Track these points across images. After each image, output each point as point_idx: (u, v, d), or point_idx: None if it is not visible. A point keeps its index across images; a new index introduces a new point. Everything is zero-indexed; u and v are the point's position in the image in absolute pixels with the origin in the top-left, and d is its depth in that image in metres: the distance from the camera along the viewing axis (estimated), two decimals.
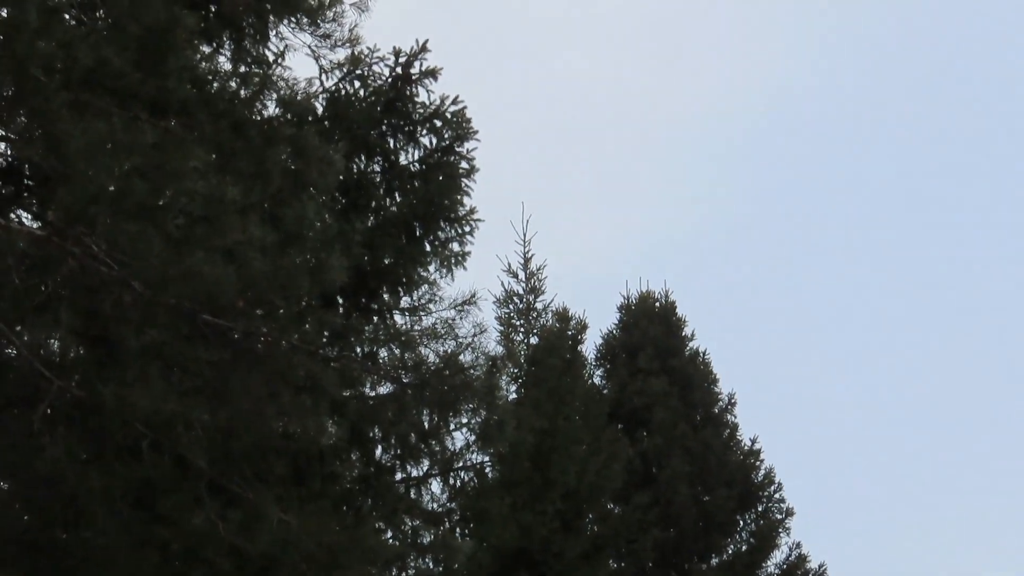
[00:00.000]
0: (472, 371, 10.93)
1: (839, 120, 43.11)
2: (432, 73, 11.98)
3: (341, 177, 10.65)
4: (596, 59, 43.30)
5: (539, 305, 20.41)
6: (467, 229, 11.98)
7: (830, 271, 41.73)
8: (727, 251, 41.70)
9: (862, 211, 42.48)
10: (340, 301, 11.53)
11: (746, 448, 22.04)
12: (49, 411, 8.75)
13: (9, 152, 9.09)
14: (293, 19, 10.33)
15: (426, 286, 11.83)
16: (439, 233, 11.92)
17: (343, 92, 11.73)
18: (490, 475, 13.36)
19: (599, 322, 24.21)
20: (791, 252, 41.80)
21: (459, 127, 11.94)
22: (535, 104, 43.10)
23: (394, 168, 11.97)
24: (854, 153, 42.66)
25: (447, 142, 11.99)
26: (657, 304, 23.15)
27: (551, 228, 39.08)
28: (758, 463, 21.91)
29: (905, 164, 42.52)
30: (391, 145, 11.99)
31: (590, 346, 22.57)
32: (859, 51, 42.63)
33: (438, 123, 11.98)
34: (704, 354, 22.70)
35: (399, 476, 11.66)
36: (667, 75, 43.40)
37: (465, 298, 11.76)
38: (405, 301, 11.91)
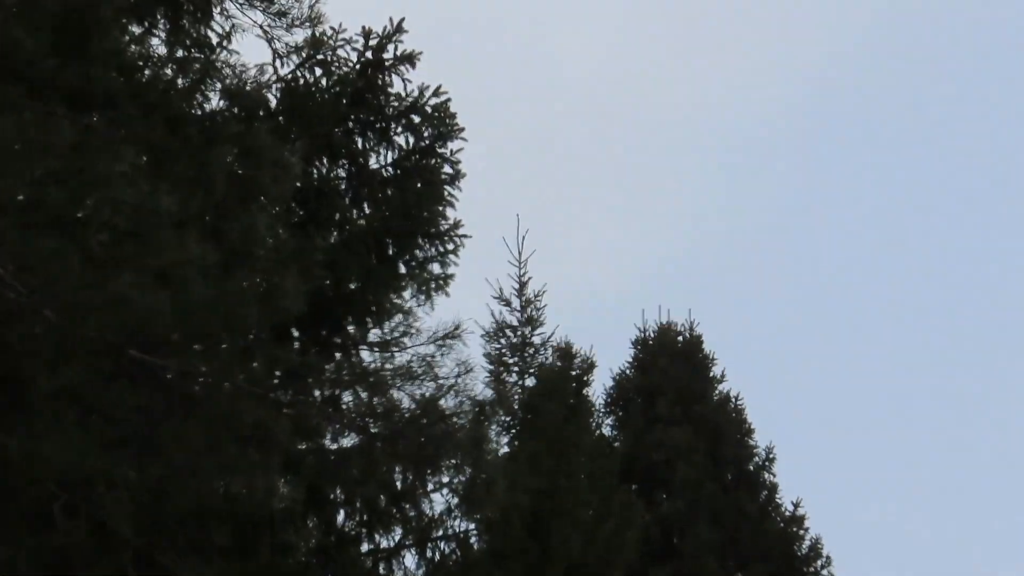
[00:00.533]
0: (455, 419, 10.96)
1: (866, 121, 43.75)
2: (409, 59, 12.06)
3: (298, 184, 10.73)
4: (601, 53, 43.68)
5: (537, 339, 20.42)
6: (450, 247, 12.05)
7: (874, 294, 41.95)
8: (758, 270, 41.93)
9: (908, 220, 42.92)
10: (296, 334, 11.57)
11: (787, 514, 22.02)
12: None
13: None
14: None
15: (400, 316, 11.87)
16: (416, 252, 11.98)
17: (301, 81, 11.81)
18: (476, 546, 13.38)
19: (609, 360, 24.24)
20: (832, 272, 42.09)
21: (441, 124, 12.02)
22: (533, 103, 43.34)
23: (363, 173, 12.04)
24: (885, 158, 43.27)
25: (427, 142, 12.06)
26: (680, 338, 23.13)
27: (552, 246, 39.17)
28: (802, 532, 21.87)
29: (949, 166, 43.10)
30: (359, 145, 12.06)
31: (598, 389, 22.63)
32: (887, 45, 43.30)
33: (416, 119, 12.05)
34: (736, 399, 22.68)
35: (365, 547, 11.68)
36: (681, 71, 43.91)
37: (447, 330, 11.79)
38: (375, 334, 11.95)
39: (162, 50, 10.16)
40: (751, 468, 22.39)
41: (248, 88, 10.50)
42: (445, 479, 11.31)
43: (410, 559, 12.20)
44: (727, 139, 43.57)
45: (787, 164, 43.92)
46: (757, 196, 43.88)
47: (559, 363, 19.65)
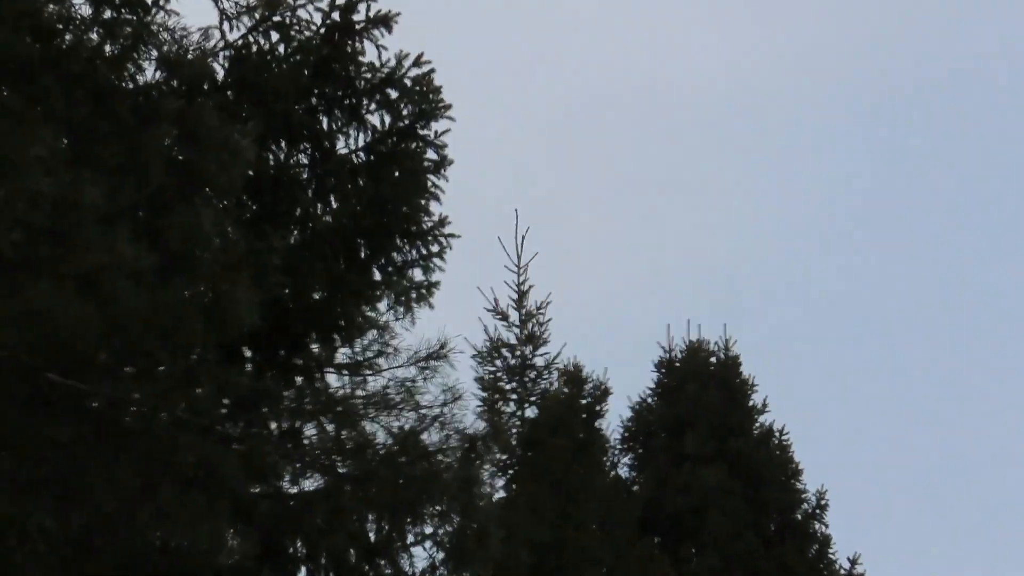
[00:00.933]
0: (440, 457, 10.98)
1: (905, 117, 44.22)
2: (384, 21, 12.09)
3: (251, 172, 10.74)
4: (608, 41, 43.85)
5: (539, 360, 20.42)
6: (435, 249, 12.08)
7: (950, 310, 42.11)
8: (803, 280, 41.97)
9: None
10: (248, 354, 11.59)
11: (843, 572, 22.03)
12: None
13: None
14: None
15: (374, 332, 11.90)
16: (394, 255, 12.01)
17: (255, 48, 11.83)
18: None
19: (627, 386, 24.14)
20: (897, 286, 42.19)
21: (424, 100, 12.05)
22: (537, 78, 43.41)
23: (329, 159, 12.06)
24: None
25: (406, 122, 12.09)
26: (713, 360, 23.15)
27: (558, 248, 39.22)
28: None
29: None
30: (324, 126, 12.08)
31: (613, 421, 22.68)
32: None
33: (393, 94, 12.08)
34: (781, 434, 22.66)
35: None
36: (697, 59, 44.17)
37: (431, 350, 11.82)
38: (343, 354, 11.97)
39: (86, 10, 10.17)
40: (798, 517, 22.39)
41: (190, 56, 10.52)
42: (428, 529, 11.34)
43: None
44: (762, 134, 43.74)
45: (834, 159, 44.09)
46: (799, 195, 44.01)
47: (566, 389, 19.66)
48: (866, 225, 44.15)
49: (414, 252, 12.06)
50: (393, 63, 12.07)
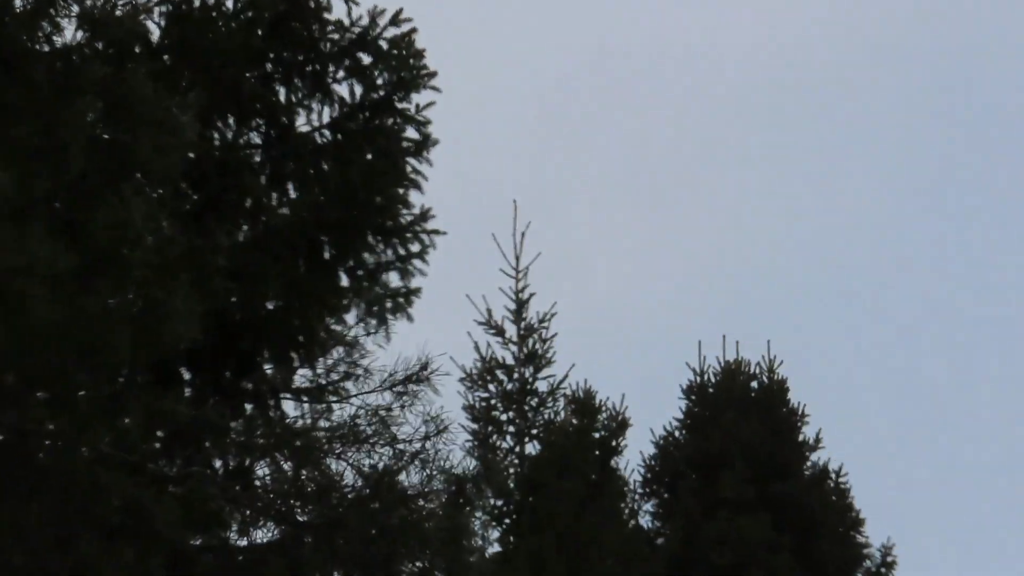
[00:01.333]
0: (422, 502, 10.98)
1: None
2: None
3: (192, 155, 10.75)
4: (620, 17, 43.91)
5: (542, 385, 20.40)
6: (415, 248, 12.13)
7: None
8: (860, 289, 41.93)
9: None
10: (187, 375, 11.61)
11: None
12: None
13: None
14: None
15: (341, 350, 11.92)
16: (365, 255, 12.04)
17: (197, 4, 11.86)
18: None
19: (649, 416, 24.11)
20: (961, 297, 42.22)
21: (403, 66, 12.10)
22: (542, 48, 43.37)
23: (287, 139, 12.09)
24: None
25: (381, 92, 12.12)
26: (755, 384, 23.15)
27: (564, 248, 39.14)
28: None
29: None
30: (281, 98, 12.11)
31: (633, 458, 22.55)
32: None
33: (365, 58, 12.13)
34: (839, 475, 22.67)
35: None
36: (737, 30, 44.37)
37: (410, 372, 11.84)
38: (303, 376, 12.00)
39: None
40: None
41: (119, 13, 10.54)
42: None
43: None
44: (791, 120, 43.77)
45: (885, 156, 44.16)
46: (843, 192, 43.97)
47: (575, 421, 19.64)
48: (935, 223, 44.16)
49: (390, 252, 12.11)
50: (366, 21, 12.16)
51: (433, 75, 12.21)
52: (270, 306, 11.90)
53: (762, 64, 44.78)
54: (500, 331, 20.38)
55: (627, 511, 20.60)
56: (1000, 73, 45.87)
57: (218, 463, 11.21)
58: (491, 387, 20.16)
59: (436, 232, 12.21)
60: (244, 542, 11.15)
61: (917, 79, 45.60)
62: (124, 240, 9.73)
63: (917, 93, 45.15)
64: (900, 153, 45.14)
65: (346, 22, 12.17)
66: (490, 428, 19.75)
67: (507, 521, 18.52)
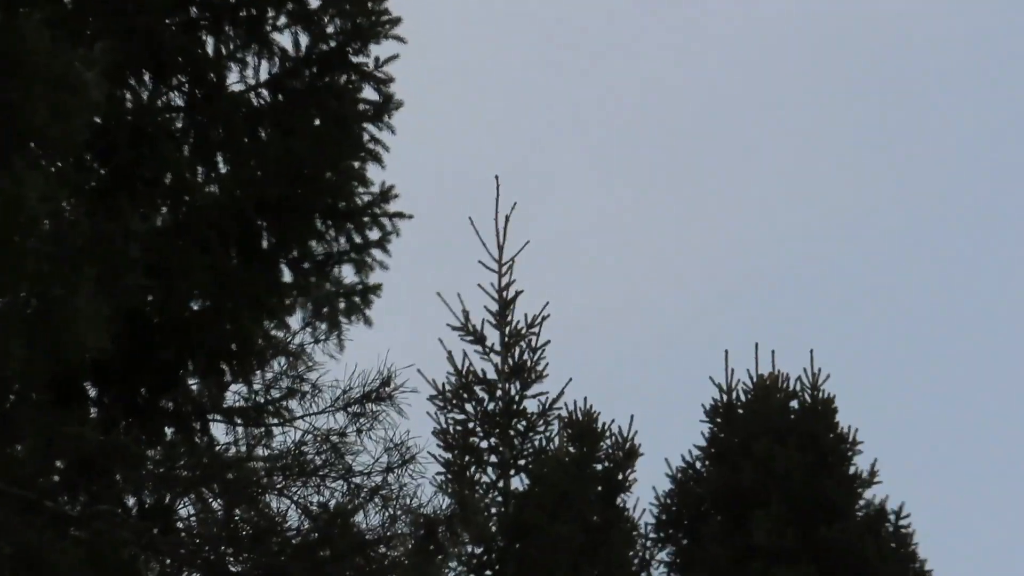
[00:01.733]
0: (384, 549, 11.00)
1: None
2: None
3: (99, 120, 10.74)
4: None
5: (531, 404, 20.52)
6: (375, 235, 12.11)
7: None
8: (917, 293, 42.29)
9: None
10: (93, 393, 11.60)
11: None
12: None
13: None
14: None
15: (283, 361, 11.91)
16: (312, 244, 12.03)
17: None
18: None
19: (663, 444, 24.12)
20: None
21: (360, 10, 12.08)
22: (526, 15, 43.70)
23: (215, 100, 12.08)
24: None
25: (332, 43, 12.12)
26: (795, 404, 23.24)
27: (558, 236, 39.30)
28: None
29: None
30: (209, 50, 12.11)
31: (644, 495, 22.54)
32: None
33: (312, 1, 12.11)
34: (899, 516, 22.70)
35: None
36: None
37: (369, 388, 11.84)
38: (237, 393, 12.00)
39: None
40: None
41: None
42: None
43: None
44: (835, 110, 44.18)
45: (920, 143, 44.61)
46: (880, 186, 44.35)
47: (572, 448, 19.75)
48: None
49: (343, 240, 12.09)
50: None
51: (396, 22, 12.21)
52: (195, 307, 11.92)
53: (803, 44, 45.20)
54: (480, 338, 20.40)
55: (637, 561, 20.67)
56: None
57: (131, 500, 11.23)
58: (468, 407, 20.20)
59: (400, 215, 12.22)
60: None
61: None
62: (15, 225, 9.74)
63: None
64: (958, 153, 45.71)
65: None
66: (467, 458, 19.80)
67: (488, 573, 18.60)
